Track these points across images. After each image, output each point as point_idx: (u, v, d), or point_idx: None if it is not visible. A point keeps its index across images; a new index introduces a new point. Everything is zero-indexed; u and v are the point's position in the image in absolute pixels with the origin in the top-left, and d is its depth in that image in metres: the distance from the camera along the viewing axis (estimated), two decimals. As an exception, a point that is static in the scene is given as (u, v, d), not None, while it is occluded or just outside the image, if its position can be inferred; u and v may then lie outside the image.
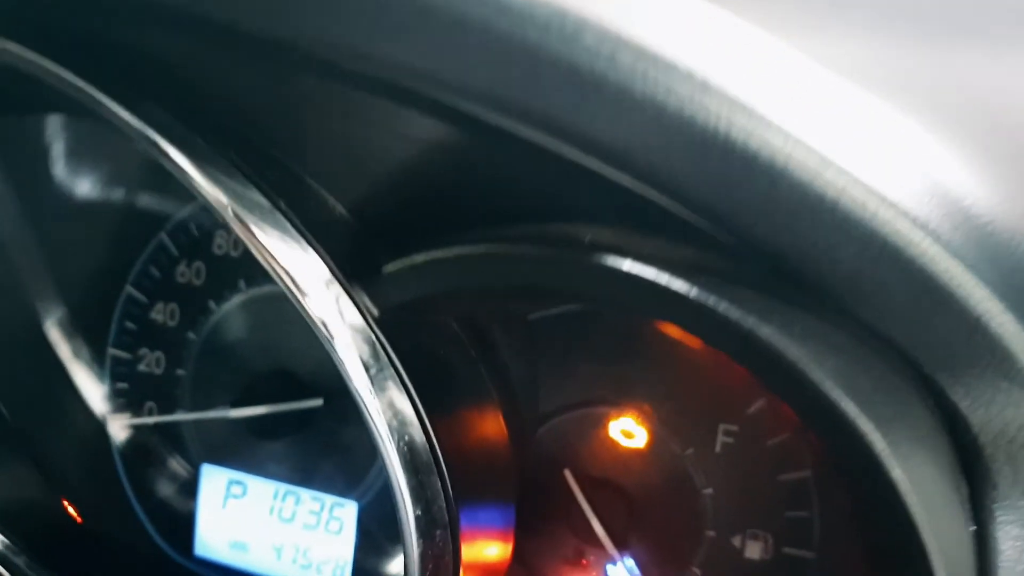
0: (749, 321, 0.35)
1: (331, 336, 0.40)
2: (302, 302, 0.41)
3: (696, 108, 0.32)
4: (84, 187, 0.71)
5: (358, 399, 0.41)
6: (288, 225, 0.41)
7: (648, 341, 0.60)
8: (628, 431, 0.61)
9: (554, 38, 0.31)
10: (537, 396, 0.62)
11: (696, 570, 0.61)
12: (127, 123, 0.40)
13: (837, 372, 0.38)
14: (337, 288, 0.41)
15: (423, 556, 0.47)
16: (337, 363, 0.41)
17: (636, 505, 0.61)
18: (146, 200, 0.73)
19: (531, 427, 0.62)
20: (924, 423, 0.45)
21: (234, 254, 0.71)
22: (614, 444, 0.62)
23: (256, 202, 0.41)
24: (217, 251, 0.71)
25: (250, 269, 0.70)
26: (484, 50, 0.33)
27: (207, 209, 0.70)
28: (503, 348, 0.53)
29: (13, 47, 0.39)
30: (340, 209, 0.43)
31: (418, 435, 0.43)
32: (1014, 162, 0.50)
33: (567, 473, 0.61)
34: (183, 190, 0.71)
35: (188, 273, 0.73)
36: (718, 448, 0.60)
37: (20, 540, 0.67)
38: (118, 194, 0.72)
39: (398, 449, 0.42)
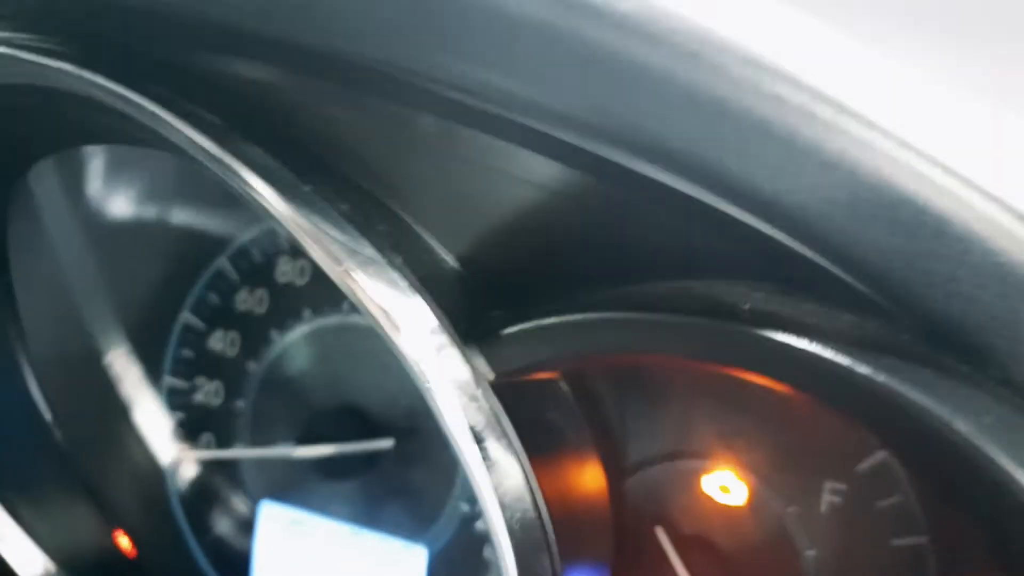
0: (939, 409, 0.31)
1: (442, 403, 0.36)
2: (413, 363, 0.37)
3: (897, 170, 0.27)
4: (141, 209, 0.68)
5: (469, 472, 0.37)
6: (400, 280, 0.37)
7: (749, 390, 0.56)
8: (725, 486, 0.57)
9: (736, 84, 0.27)
10: (625, 446, 0.58)
11: (797, 638, 0.56)
12: (223, 164, 0.36)
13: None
14: (451, 349, 0.37)
15: None
16: (447, 432, 0.37)
17: (732, 566, 0.57)
18: (206, 223, 0.69)
19: (618, 480, 0.58)
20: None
21: (299, 282, 0.67)
22: (709, 499, 0.57)
23: (367, 256, 0.37)
24: (281, 278, 0.68)
25: (316, 298, 0.67)
26: (645, 92, 0.29)
27: (272, 233, 0.68)
28: (605, 400, 0.49)
29: (101, 80, 0.36)
30: (450, 262, 0.40)
31: (529, 510, 0.40)
32: None
33: (659, 530, 0.57)
34: (244, 212, 0.69)
35: (250, 300, 0.69)
36: (823, 508, 0.55)
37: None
38: (176, 216, 0.69)
39: (509, 528, 0.38)
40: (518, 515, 0.39)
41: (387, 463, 0.64)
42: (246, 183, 0.35)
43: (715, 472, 0.57)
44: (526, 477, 0.41)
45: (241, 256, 0.69)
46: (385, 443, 0.63)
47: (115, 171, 0.65)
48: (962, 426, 0.33)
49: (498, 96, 0.31)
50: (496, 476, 0.38)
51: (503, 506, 0.38)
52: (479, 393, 0.37)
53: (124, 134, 0.44)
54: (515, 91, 0.32)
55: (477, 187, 0.36)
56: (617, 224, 0.35)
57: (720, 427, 0.57)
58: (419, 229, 0.39)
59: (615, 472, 0.56)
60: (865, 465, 0.54)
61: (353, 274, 0.36)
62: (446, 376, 0.36)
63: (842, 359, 0.32)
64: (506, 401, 0.38)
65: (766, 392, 0.55)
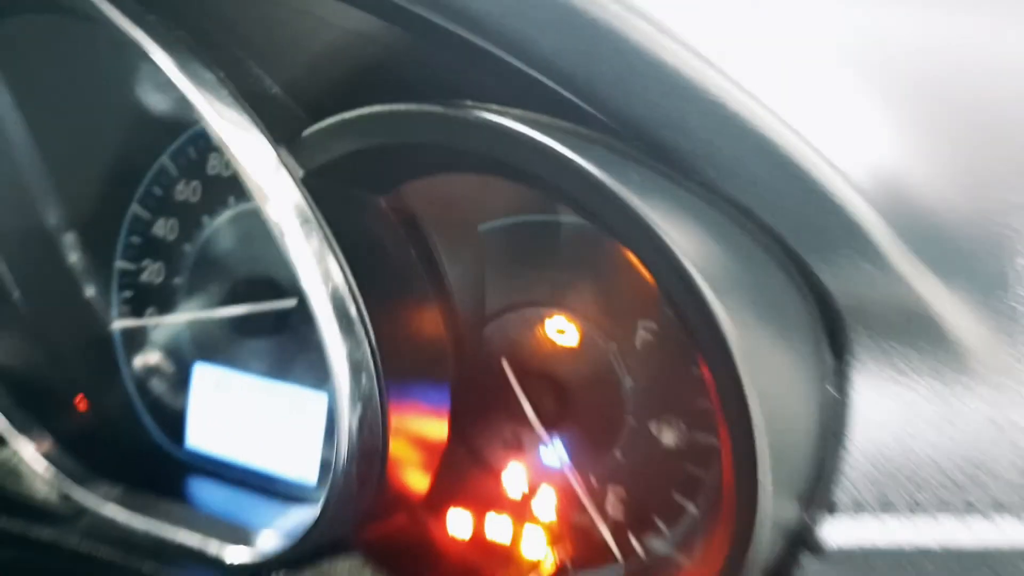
0: (604, 177, 0.42)
1: (264, 193, 0.48)
2: (239, 163, 0.49)
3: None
4: (95, 114, 0.80)
5: (285, 248, 0.48)
6: (227, 95, 0.48)
7: (580, 250, 0.68)
8: (561, 328, 0.69)
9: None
10: (483, 297, 0.70)
11: (617, 453, 0.68)
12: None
13: (686, 233, 0.45)
14: (268, 150, 0.49)
15: (359, 423, 0.55)
16: (267, 218, 0.48)
17: (566, 394, 0.68)
18: (150, 126, 0.81)
19: (477, 325, 0.70)
20: (785, 300, 0.52)
21: (225, 174, 0.80)
22: (548, 340, 0.69)
23: (202, 75, 0.48)
24: (211, 171, 0.80)
25: (238, 187, 0.79)
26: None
27: (204, 134, 0.80)
28: (443, 252, 0.61)
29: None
30: (275, 88, 0.51)
31: (346, 296, 0.51)
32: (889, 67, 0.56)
33: (505, 364, 0.69)
34: (183, 118, 0.81)
35: (186, 191, 0.82)
36: (638, 343, 0.67)
37: (39, 425, 0.76)
38: (125, 121, 0.81)
39: (328, 298, 0.50)
40: (338, 302, 0.51)
41: (294, 321, 0.76)
42: (103, 14, 0.47)
43: (553, 318, 0.69)
44: (344, 276, 0.52)
45: (180, 154, 0.82)
46: (289, 302, 0.75)
47: (62, 76, 0.77)
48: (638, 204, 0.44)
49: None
50: (318, 263, 0.49)
51: (325, 287, 0.49)
52: (290, 182, 0.48)
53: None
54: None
55: (299, 30, 0.48)
56: (401, 57, 0.47)
57: (554, 279, 0.68)
58: (250, 61, 0.51)
59: (465, 318, 0.67)
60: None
61: (190, 90, 0.48)
62: (260, 163, 0.48)
63: (550, 143, 0.43)
64: (323, 202, 0.50)
65: (591, 248, 0.67)
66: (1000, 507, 0.49)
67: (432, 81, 0.47)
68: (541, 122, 0.44)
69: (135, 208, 0.84)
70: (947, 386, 0.51)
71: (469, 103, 0.44)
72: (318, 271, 0.50)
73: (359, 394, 0.54)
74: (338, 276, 0.51)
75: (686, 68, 0.44)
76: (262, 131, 0.49)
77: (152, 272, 0.84)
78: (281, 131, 0.49)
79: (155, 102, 0.71)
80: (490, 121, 0.43)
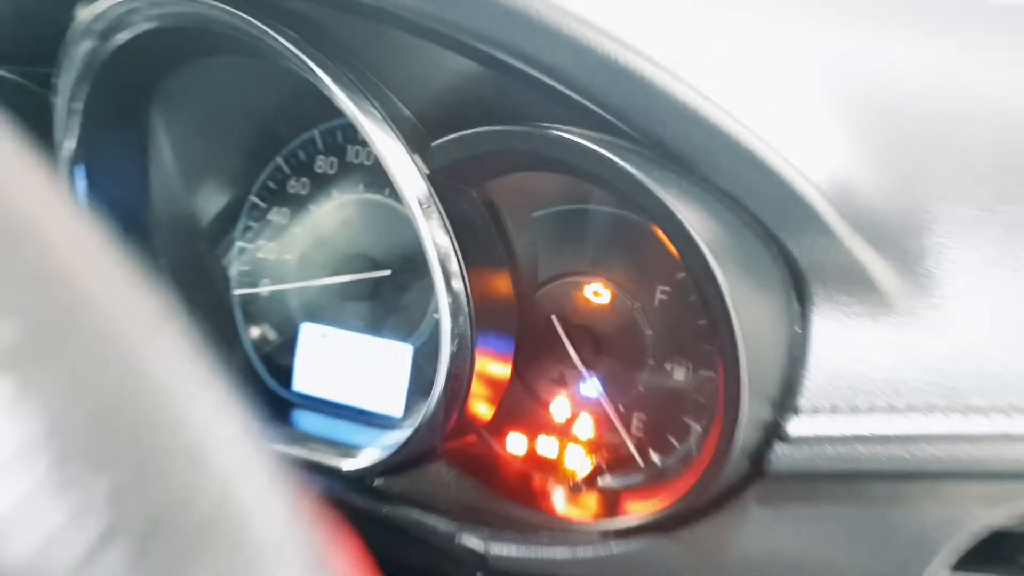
0: (640, 174, 0.63)
1: (402, 184, 0.69)
2: (388, 165, 0.69)
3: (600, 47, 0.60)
4: (226, 126, 1.01)
5: (414, 219, 0.69)
6: (382, 120, 0.69)
7: (611, 232, 0.88)
8: (597, 292, 0.89)
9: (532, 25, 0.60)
10: (537, 268, 0.91)
11: (640, 386, 0.88)
12: (295, 55, 0.68)
13: (694, 214, 0.66)
14: (406, 156, 0.69)
15: (454, 356, 0.75)
16: (402, 198, 0.69)
17: (601, 342, 0.89)
18: (269, 133, 1.03)
19: (532, 290, 0.91)
20: (764, 264, 0.72)
21: (330, 172, 1.01)
22: (587, 301, 0.90)
23: (364, 105, 0.69)
24: (318, 170, 1.01)
25: (341, 183, 1.00)
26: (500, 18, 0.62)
27: (312, 139, 1.01)
28: (512, 232, 0.82)
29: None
30: (407, 112, 0.73)
31: (451, 258, 0.72)
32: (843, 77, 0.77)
33: (554, 319, 0.90)
34: (295, 125, 1.02)
35: (296, 185, 1.03)
36: (656, 303, 0.87)
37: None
38: (249, 127, 1.02)
39: (439, 259, 0.71)
40: (445, 262, 0.72)
41: (387, 288, 0.97)
42: (311, 70, 0.68)
43: (591, 284, 0.89)
44: (454, 247, 0.73)
45: (291, 155, 1.03)
46: (384, 272, 0.96)
47: (209, 106, 0.98)
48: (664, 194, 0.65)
49: (438, 23, 0.64)
50: (434, 234, 0.70)
51: (438, 253, 0.70)
52: (419, 178, 0.69)
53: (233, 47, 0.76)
54: (451, 19, 0.65)
55: (422, 69, 0.69)
56: (494, 92, 0.68)
57: (591, 254, 0.89)
58: (392, 95, 0.72)
59: (525, 283, 0.88)
60: (680, 275, 0.86)
61: (357, 115, 0.69)
62: (401, 165, 0.69)
63: (605, 152, 0.64)
64: (440, 192, 0.70)
65: (620, 230, 0.88)
66: (913, 408, 0.70)
67: (518, 109, 0.68)
68: (596, 138, 0.64)
69: (253, 198, 1.05)
70: (880, 325, 0.72)
71: (546, 124, 0.65)
72: (433, 240, 0.71)
73: (456, 333, 0.75)
74: (446, 244, 0.72)
75: (691, 102, 0.65)
76: (402, 143, 0.70)
77: (267, 250, 1.05)
78: (411, 142, 0.70)
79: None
80: (563, 137, 0.64)
